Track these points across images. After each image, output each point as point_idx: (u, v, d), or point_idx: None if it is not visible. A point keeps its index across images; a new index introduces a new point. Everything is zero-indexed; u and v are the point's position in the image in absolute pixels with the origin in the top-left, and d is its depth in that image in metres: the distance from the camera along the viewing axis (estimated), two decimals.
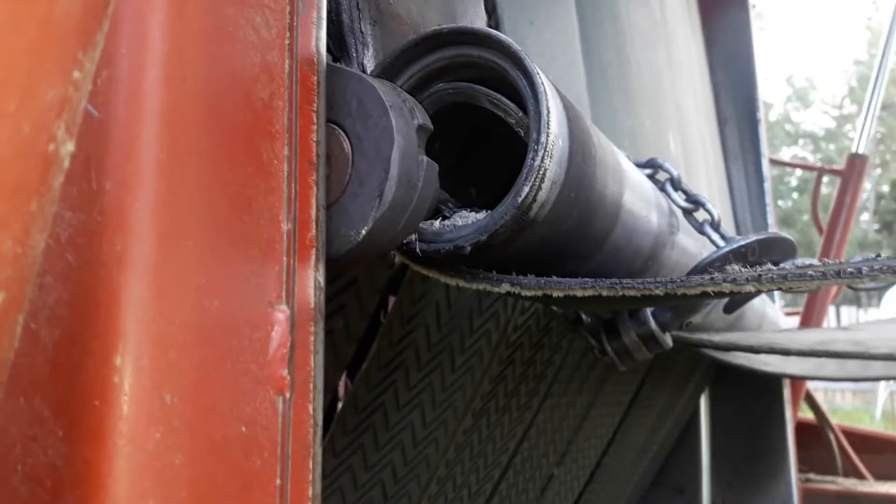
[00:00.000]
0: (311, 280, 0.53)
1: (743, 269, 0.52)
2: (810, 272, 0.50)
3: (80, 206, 0.42)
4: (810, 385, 2.81)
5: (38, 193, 0.28)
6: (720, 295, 0.54)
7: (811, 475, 2.81)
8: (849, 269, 0.48)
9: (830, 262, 0.52)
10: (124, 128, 0.42)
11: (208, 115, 0.45)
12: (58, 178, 0.29)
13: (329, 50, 0.63)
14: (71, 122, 0.29)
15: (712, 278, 0.52)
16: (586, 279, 0.57)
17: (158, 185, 0.42)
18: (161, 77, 0.42)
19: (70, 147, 0.29)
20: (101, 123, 0.42)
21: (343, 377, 1.22)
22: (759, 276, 0.51)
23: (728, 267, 0.69)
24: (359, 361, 1.07)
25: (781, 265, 0.74)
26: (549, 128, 0.56)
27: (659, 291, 0.54)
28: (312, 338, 0.52)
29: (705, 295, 0.54)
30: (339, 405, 1.15)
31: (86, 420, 0.41)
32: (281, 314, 0.50)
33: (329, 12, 0.65)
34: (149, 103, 0.42)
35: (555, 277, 0.59)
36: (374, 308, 1.04)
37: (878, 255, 0.51)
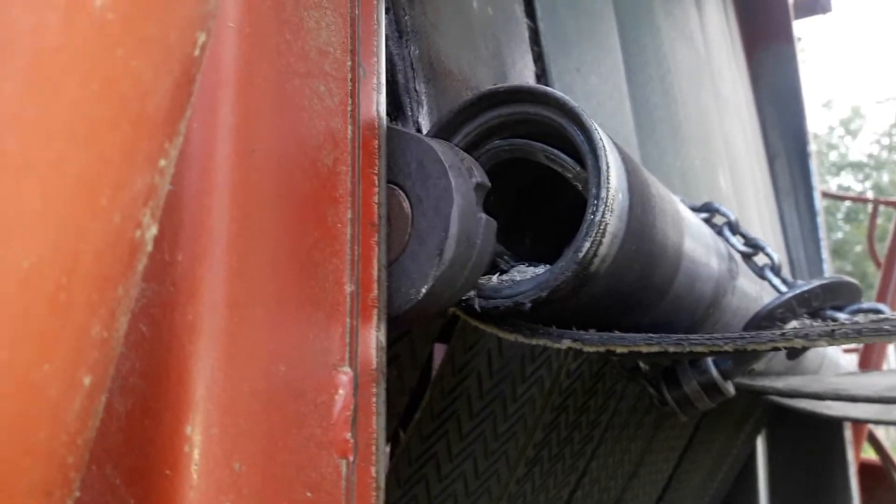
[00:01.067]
0: (374, 341, 0.53)
1: (815, 324, 0.51)
2: (886, 326, 0.48)
3: (154, 277, 0.43)
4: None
5: (124, 278, 0.28)
6: (790, 349, 0.52)
7: None
8: None
9: None
10: (196, 200, 0.43)
11: (276, 185, 0.46)
12: (142, 262, 0.30)
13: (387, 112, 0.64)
14: (156, 206, 0.30)
15: (783, 334, 0.51)
16: (651, 335, 0.56)
17: (229, 255, 0.42)
18: (231, 150, 0.43)
19: (154, 230, 0.30)
20: (173, 196, 0.43)
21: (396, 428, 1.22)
22: (833, 331, 0.50)
23: (793, 319, 0.67)
24: (411, 411, 1.06)
25: (849, 316, 0.72)
26: (608, 182, 0.56)
27: (728, 347, 0.52)
28: (375, 399, 0.52)
29: (775, 349, 0.53)
30: (392, 458, 1.14)
31: (157, 489, 0.41)
32: (344, 376, 0.50)
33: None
34: (219, 176, 0.43)
35: (617, 333, 0.59)
36: (427, 357, 1.04)
37: None
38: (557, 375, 1.20)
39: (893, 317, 0.52)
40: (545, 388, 1.19)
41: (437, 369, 1.05)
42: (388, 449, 1.24)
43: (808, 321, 0.73)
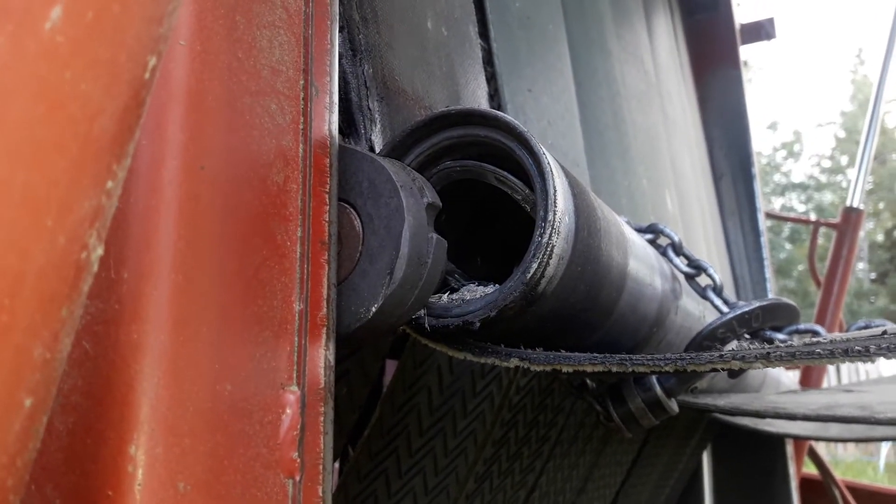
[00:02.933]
0: (322, 359, 0.53)
1: (752, 346, 0.53)
2: (818, 350, 0.51)
3: (99, 294, 0.42)
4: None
5: (68, 300, 0.28)
6: (728, 370, 0.54)
7: None
8: (856, 348, 0.48)
9: (837, 339, 0.53)
10: (142, 217, 0.43)
11: (225, 202, 0.46)
12: (87, 283, 0.30)
13: (339, 129, 0.65)
14: (102, 227, 0.29)
15: (721, 356, 0.53)
16: (596, 355, 0.57)
17: (175, 273, 0.42)
18: (179, 167, 0.43)
19: (100, 251, 0.30)
20: (120, 213, 0.43)
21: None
22: (768, 353, 0.51)
23: (734, 339, 0.69)
24: (361, 427, 1.06)
25: (787, 337, 0.75)
26: (556, 206, 0.57)
27: (668, 368, 0.54)
28: (322, 418, 0.52)
29: (714, 370, 0.54)
30: (341, 474, 1.13)
31: None
32: (292, 395, 0.50)
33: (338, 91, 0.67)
34: (167, 192, 0.43)
35: (563, 352, 0.60)
36: (377, 374, 1.04)
37: (885, 333, 0.51)
38: (507, 391, 1.21)
39: (826, 340, 0.54)
40: (495, 403, 1.20)
41: (387, 385, 1.05)
42: (337, 466, 1.24)
43: (746, 342, 0.75)
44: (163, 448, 0.41)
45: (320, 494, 0.51)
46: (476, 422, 1.19)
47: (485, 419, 1.20)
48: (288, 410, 0.49)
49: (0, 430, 0.27)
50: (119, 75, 0.27)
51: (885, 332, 0.50)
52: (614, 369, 0.56)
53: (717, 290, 0.92)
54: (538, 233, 0.57)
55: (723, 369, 0.54)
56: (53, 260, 0.27)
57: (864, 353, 0.48)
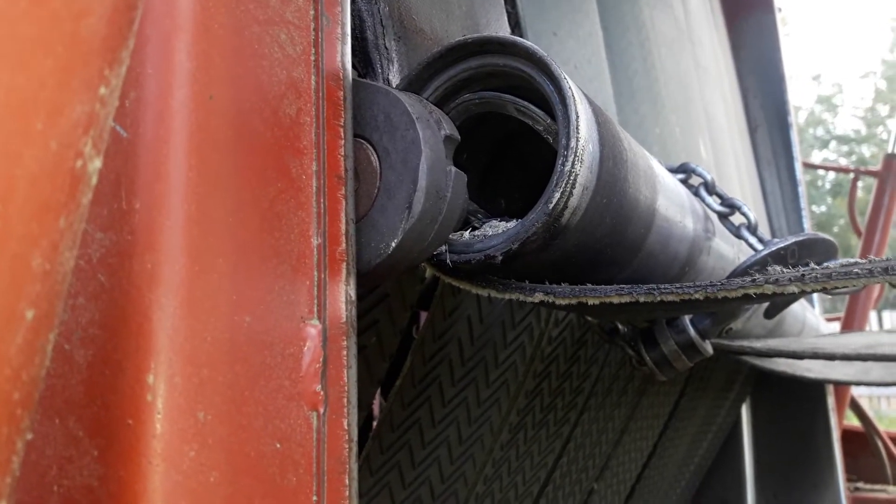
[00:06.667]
0: (343, 294, 0.52)
1: (785, 270, 0.51)
2: (856, 270, 0.48)
3: (111, 225, 0.42)
4: (855, 391, 2.74)
5: (66, 210, 0.28)
6: (762, 298, 0.52)
7: (860, 484, 2.73)
8: None
9: (876, 259, 0.51)
10: (153, 147, 0.42)
11: (236, 133, 0.45)
12: (86, 195, 0.29)
13: (355, 67, 0.63)
14: (98, 138, 0.29)
15: (754, 280, 0.51)
16: (622, 286, 0.56)
17: (188, 203, 0.42)
18: (188, 96, 0.43)
19: (98, 163, 0.29)
20: (129, 144, 0.42)
21: (377, 395, 1.21)
22: (803, 275, 0.50)
23: (769, 268, 0.67)
24: (392, 378, 1.06)
25: (825, 265, 0.72)
26: (578, 132, 0.55)
27: (699, 296, 0.52)
28: (345, 352, 0.52)
29: (747, 298, 0.53)
30: (374, 423, 1.14)
31: (120, 440, 0.40)
32: (313, 329, 0.49)
33: (354, 30, 0.65)
34: (176, 122, 0.42)
35: (589, 285, 0.58)
36: (407, 324, 1.03)
37: None
38: (539, 342, 1.20)
39: (864, 262, 0.52)
40: (527, 354, 1.20)
41: (417, 335, 1.05)
42: (376, 411, 1.24)
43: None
44: (181, 377, 0.41)
45: (345, 427, 0.50)
46: (508, 372, 1.18)
47: (517, 370, 1.20)
48: (309, 343, 0.49)
49: (1, 342, 0.26)
50: None
51: None
52: (642, 299, 0.54)
53: (752, 229, 0.90)
54: (560, 161, 0.55)
55: (756, 295, 0.52)
56: (46, 166, 0.26)
57: None
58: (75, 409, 0.42)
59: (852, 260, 0.72)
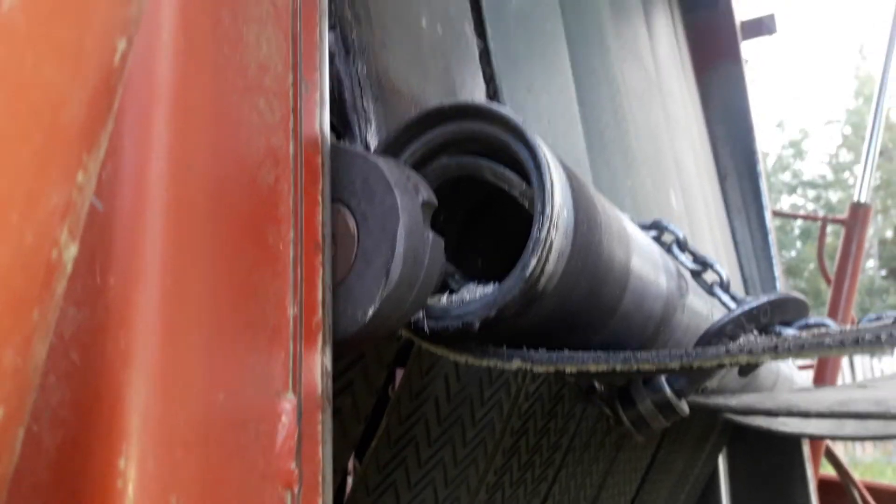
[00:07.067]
0: (318, 366, 0.52)
1: (759, 339, 0.51)
2: (827, 341, 0.49)
3: (85, 301, 0.41)
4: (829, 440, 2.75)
5: (40, 302, 0.27)
6: (737, 365, 0.52)
7: None
8: (867, 337, 0.46)
9: (847, 329, 0.51)
10: (129, 220, 0.41)
11: (214, 203, 0.44)
12: (60, 284, 0.28)
13: (333, 127, 0.63)
14: (74, 224, 0.28)
15: (728, 350, 0.51)
16: (599, 353, 0.55)
17: (163, 278, 0.41)
18: (165, 168, 0.42)
19: (73, 251, 0.29)
20: (105, 217, 0.41)
21: (352, 457, 1.19)
22: (776, 346, 0.50)
23: (742, 335, 0.67)
24: (368, 439, 1.04)
25: (797, 331, 0.73)
26: (553, 199, 0.56)
27: (674, 365, 0.52)
28: (320, 427, 0.51)
29: (721, 366, 0.53)
30: (348, 488, 1.11)
31: None
32: (288, 404, 0.48)
33: (332, 91, 0.65)
34: (153, 195, 0.42)
35: (567, 352, 0.58)
36: (382, 383, 1.02)
37: None
38: (516, 398, 1.19)
39: (835, 331, 0.53)
40: (504, 411, 1.18)
41: (393, 395, 1.04)
42: (349, 477, 1.22)
43: (755, 337, 0.74)
44: (154, 461, 0.40)
45: None
46: (486, 430, 1.17)
47: (494, 427, 1.18)
48: (284, 419, 0.47)
49: None
50: (85, 60, 0.26)
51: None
52: (619, 367, 0.54)
53: (724, 286, 0.90)
54: (536, 228, 0.56)
55: (731, 364, 0.53)
56: (21, 258, 0.25)
57: (876, 342, 0.46)
58: (42, 494, 0.40)
59: (822, 321, 0.73)
